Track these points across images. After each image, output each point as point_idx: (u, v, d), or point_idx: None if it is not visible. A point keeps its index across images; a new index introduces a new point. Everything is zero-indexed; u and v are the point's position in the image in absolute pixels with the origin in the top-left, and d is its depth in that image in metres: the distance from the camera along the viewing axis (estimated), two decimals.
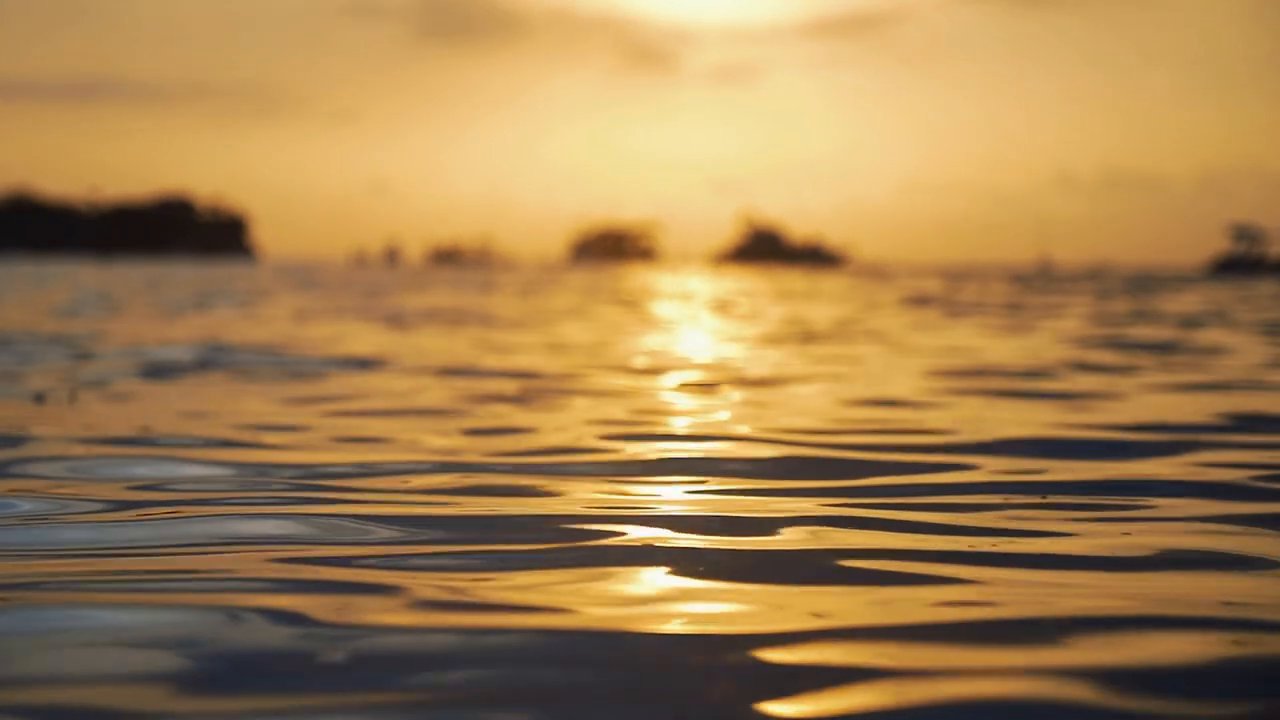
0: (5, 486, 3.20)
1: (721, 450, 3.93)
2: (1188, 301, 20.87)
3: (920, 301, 20.01)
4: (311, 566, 2.40)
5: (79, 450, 3.83)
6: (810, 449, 3.98)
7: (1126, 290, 28.50)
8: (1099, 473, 3.55)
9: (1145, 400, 5.56)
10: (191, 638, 1.94)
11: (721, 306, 17.93)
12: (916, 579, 2.34)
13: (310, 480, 3.33)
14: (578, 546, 2.57)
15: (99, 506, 2.95)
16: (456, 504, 3.03)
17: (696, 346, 9.17)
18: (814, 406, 5.23)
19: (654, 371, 6.92)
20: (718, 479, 3.42)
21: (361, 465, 3.60)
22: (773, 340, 9.98)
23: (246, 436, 4.19)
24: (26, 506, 2.95)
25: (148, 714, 1.64)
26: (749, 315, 14.89)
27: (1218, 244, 70.94)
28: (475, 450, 3.91)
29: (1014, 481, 3.41)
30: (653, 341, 9.61)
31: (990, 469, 3.63)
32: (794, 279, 44.14)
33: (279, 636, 1.95)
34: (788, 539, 2.67)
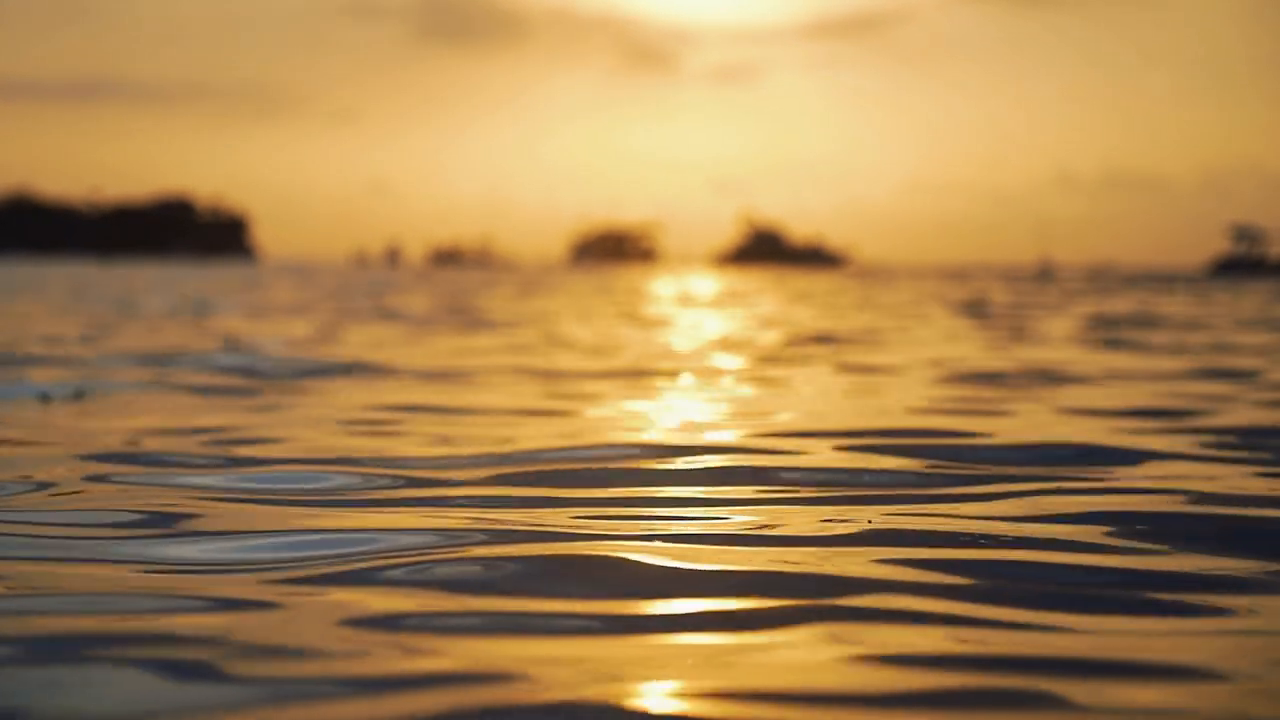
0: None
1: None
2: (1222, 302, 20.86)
3: (969, 306, 19.97)
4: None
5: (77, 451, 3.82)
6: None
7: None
8: None
9: None
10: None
11: (743, 310, 17.89)
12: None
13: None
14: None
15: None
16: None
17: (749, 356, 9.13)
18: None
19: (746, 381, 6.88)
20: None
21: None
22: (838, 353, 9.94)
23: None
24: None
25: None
26: (782, 322, 14.86)
27: (1218, 244, 70.95)
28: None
29: None
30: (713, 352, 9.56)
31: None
32: (802, 281, 44.09)
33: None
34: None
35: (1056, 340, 10.21)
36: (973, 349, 9.00)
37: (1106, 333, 11.39)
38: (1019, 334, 11.08)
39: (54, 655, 1.86)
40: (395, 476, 3.43)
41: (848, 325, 12.45)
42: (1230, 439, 4.26)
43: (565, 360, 7.66)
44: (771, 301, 20.71)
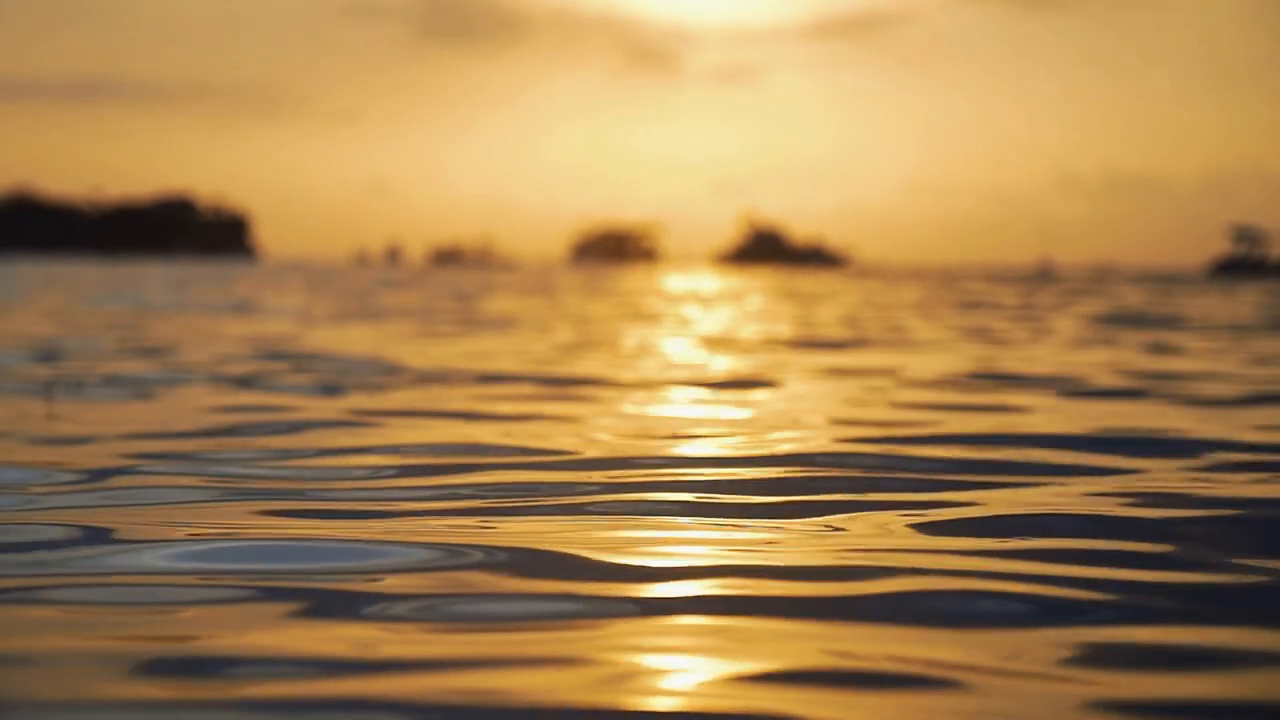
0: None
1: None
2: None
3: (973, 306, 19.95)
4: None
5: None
6: None
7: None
8: None
9: None
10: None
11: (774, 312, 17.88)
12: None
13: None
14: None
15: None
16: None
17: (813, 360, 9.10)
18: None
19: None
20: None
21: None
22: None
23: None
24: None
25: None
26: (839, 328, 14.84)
27: (1219, 245, 71.07)
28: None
29: None
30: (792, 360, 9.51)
31: None
32: (806, 281, 44.14)
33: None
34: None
35: (1074, 340, 10.20)
36: (993, 350, 8.98)
37: (1121, 333, 11.39)
38: (1035, 334, 11.07)
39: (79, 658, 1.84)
40: (402, 467, 3.42)
41: (869, 326, 12.40)
42: (1258, 434, 4.25)
43: (602, 364, 7.60)
44: (781, 302, 20.72)
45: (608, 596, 2.14)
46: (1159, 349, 8.96)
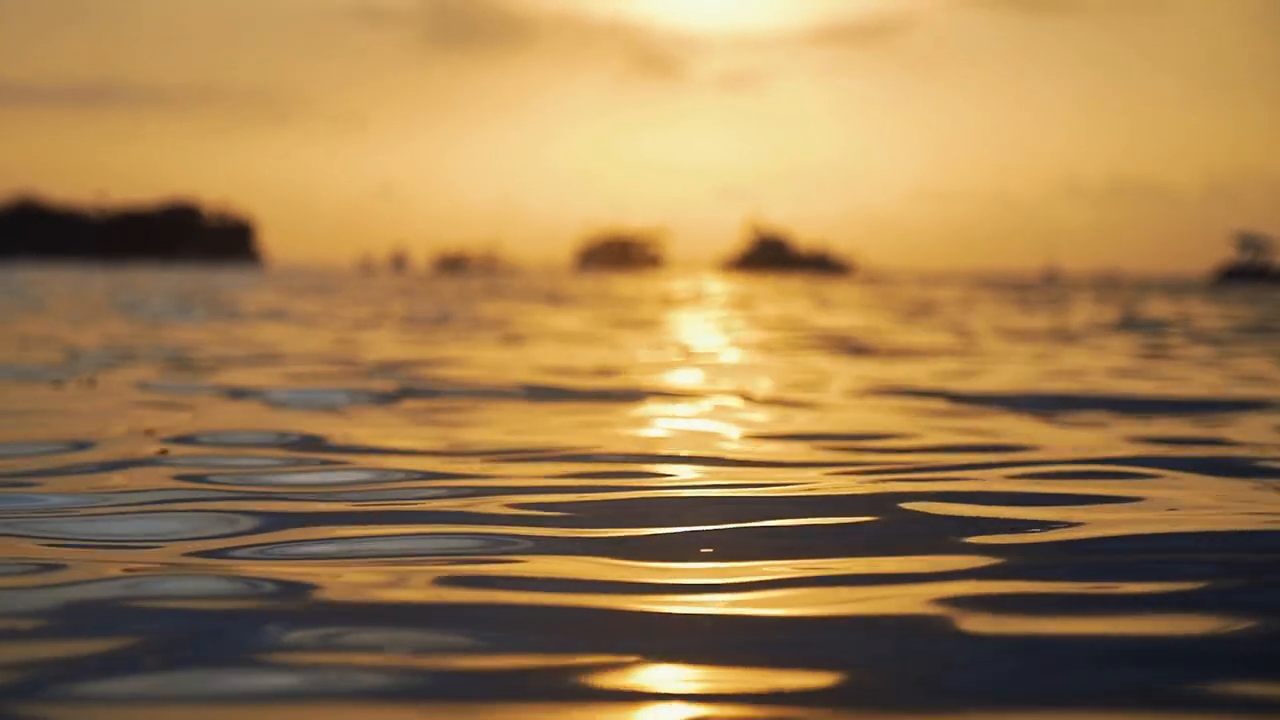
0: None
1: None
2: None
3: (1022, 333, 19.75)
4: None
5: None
6: None
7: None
8: None
9: None
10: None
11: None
12: None
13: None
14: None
15: None
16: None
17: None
18: None
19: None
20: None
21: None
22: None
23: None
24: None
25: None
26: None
27: (1223, 252, 70.68)
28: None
29: None
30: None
31: None
32: (823, 288, 43.82)
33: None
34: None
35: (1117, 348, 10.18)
36: (1028, 363, 8.96)
37: (1146, 337, 11.34)
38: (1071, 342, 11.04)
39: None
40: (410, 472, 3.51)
41: (919, 337, 12.16)
42: None
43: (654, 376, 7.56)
44: (810, 310, 20.64)
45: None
46: None
